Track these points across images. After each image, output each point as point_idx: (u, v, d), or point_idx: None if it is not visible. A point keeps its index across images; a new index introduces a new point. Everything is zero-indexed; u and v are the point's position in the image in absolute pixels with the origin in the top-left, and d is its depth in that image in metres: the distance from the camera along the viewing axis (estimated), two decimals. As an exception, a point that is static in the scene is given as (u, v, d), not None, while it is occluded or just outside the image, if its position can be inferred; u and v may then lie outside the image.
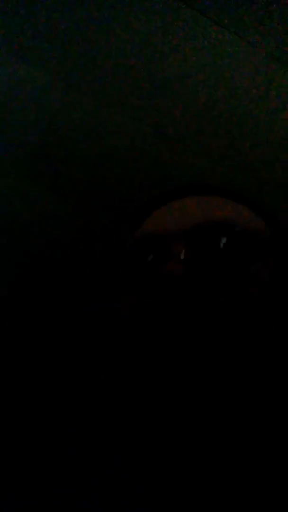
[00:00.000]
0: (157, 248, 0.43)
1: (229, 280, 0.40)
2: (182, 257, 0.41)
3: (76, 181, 1.07)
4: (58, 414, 0.48)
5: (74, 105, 0.93)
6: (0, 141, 0.98)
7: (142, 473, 0.38)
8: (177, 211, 0.45)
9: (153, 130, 0.97)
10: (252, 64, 0.85)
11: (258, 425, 0.38)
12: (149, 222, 0.47)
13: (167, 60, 0.85)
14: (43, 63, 0.85)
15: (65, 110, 0.93)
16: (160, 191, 0.51)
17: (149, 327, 0.40)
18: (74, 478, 0.40)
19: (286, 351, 0.40)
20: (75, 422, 0.45)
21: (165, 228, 0.44)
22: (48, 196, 1.09)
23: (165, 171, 1.06)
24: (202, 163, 1.05)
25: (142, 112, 0.94)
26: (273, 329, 0.41)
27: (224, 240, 0.42)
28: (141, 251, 0.44)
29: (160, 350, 0.39)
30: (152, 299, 0.41)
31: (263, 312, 0.41)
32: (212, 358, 0.39)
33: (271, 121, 0.96)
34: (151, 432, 0.40)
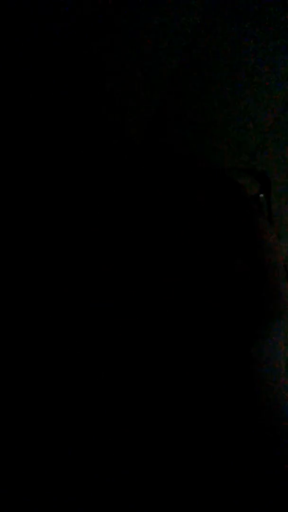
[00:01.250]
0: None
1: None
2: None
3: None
4: (58, 414, 0.48)
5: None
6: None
7: (142, 474, 0.38)
8: None
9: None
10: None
11: (259, 426, 0.38)
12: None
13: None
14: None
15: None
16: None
17: (149, 326, 0.40)
18: (74, 478, 0.40)
19: None
20: (74, 422, 0.45)
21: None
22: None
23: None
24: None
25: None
26: None
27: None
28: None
29: (161, 350, 0.39)
30: (152, 300, 0.41)
31: None
32: (212, 358, 0.39)
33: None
34: (151, 433, 0.40)
